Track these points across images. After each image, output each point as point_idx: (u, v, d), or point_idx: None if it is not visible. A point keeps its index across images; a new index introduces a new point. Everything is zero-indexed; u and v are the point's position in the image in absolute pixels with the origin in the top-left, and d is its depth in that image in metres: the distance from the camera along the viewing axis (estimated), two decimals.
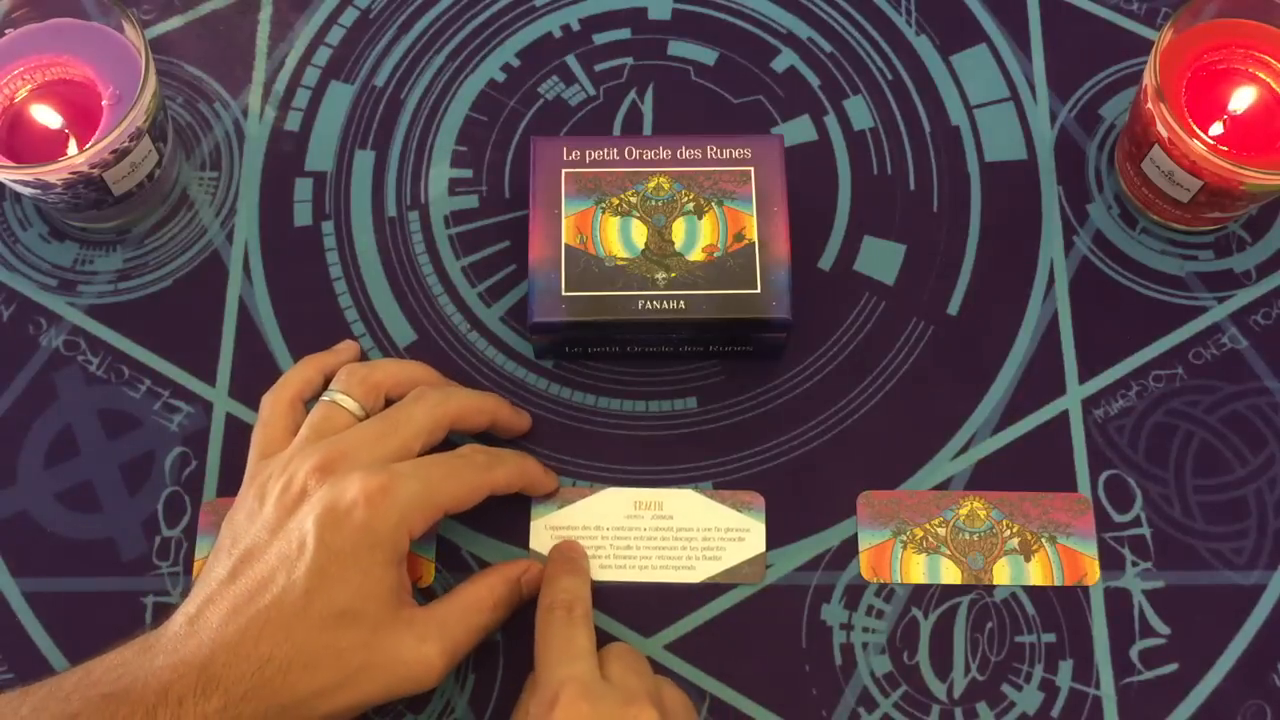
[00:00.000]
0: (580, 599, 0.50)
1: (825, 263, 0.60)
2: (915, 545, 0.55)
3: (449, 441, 0.53)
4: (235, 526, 0.49)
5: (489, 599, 0.51)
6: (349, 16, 0.64)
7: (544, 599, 0.51)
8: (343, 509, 0.47)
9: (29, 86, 0.56)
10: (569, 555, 0.54)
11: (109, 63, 0.56)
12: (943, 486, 0.56)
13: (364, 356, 0.58)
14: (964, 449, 0.56)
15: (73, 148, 0.55)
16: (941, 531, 0.55)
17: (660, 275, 0.54)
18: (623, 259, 0.54)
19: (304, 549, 0.46)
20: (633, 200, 0.55)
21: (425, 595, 0.54)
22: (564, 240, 0.54)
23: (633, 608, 0.54)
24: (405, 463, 0.49)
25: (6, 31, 0.56)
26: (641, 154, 0.56)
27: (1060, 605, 0.54)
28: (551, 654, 0.48)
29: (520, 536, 0.55)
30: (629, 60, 0.63)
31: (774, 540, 0.55)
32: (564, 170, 0.56)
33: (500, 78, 0.63)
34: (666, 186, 0.55)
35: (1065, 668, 0.53)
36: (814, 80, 0.63)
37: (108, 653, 0.46)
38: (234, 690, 0.44)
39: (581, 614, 0.50)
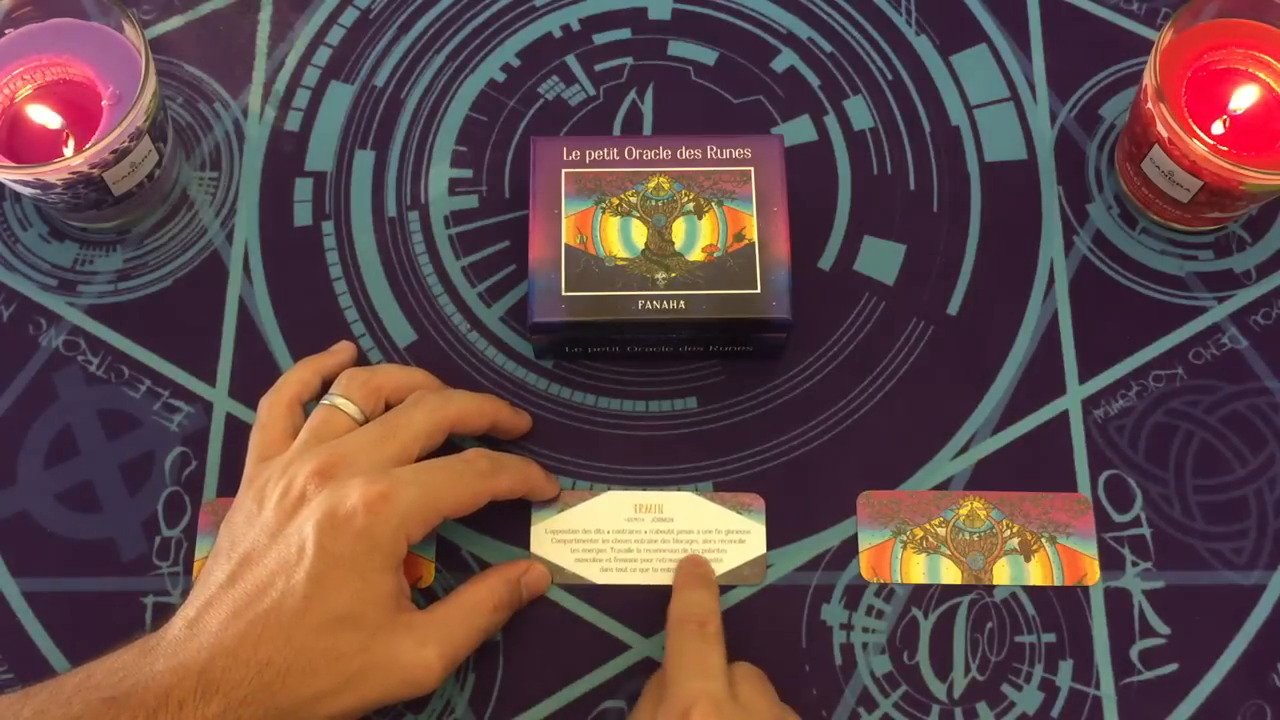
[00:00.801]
0: (713, 615, 0.50)
1: (825, 263, 0.60)
2: (915, 545, 0.55)
3: (451, 443, 0.53)
4: (234, 530, 0.49)
5: (489, 601, 0.51)
6: (349, 16, 0.64)
7: (675, 611, 0.51)
8: (343, 515, 0.47)
9: (29, 86, 0.56)
10: (699, 570, 0.54)
11: (109, 63, 0.56)
12: (943, 486, 0.56)
13: (361, 357, 0.58)
14: (964, 449, 0.56)
15: (72, 148, 0.55)
16: (941, 531, 0.55)
17: (660, 275, 0.54)
18: (623, 259, 0.54)
19: (303, 554, 0.46)
20: (633, 200, 0.55)
21: (425, 595, 0.54)
22: (564, 240, 0.54)
23: (634, 609, 0.54)
24: (406, 468, 0.49)
25: (7, 31, 0.56)
26: (641, 154, 0.56)
27: (1060, 605, 0.54)
28: (685, 668, 0.47)
29: (521, 538, 0.55)
30: (629, 60, 0.63)
31: (774, 540, 0.55)
32: (564, 170, 0.56)
33: (500, 78, 0.63)
34: (666, 186, 0.55)
35: (1065, 668, 0.53)
36: (814, 80, 0.63)
37: (108, 655, 0.46)
38: (233, 695, 0.44)
39: (714, 631, 0.49)
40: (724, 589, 0.54)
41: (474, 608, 0.50)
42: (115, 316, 0.58)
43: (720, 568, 0.54)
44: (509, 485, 0.52)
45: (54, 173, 0.53)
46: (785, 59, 0.63)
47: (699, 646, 0.49)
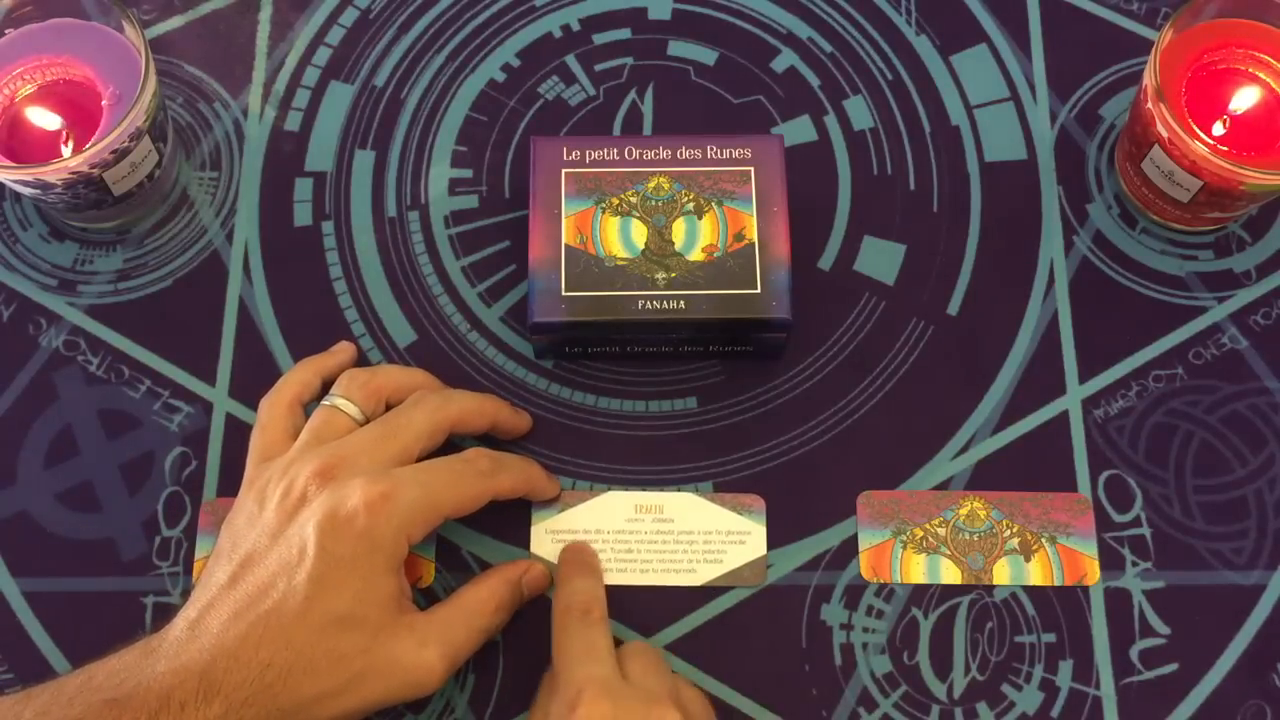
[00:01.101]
0: (596, 600, 0.51)
1: (825, 263, 0.60)
2: (915, 545, 0.55)
3: (451, 443, 0.53)
4: (235, 530, 0.49)
5: (490, 602, 0.51)
6: (349, 16, 0.64)
7: (559, 601, 0.51)
8: (343, 516, 0.47)
9: (29, 86, 0.56)
10: (581, 557, 0.54)
11: (109, 63, 0.56)
12: (943, 486, 0.56)
13: (361, 357, 0.58)
14: (964, 449, 0.56)
15: (72, 148, 0.55)
16: (941, 531, 0.55)
17: (660, 275, 0.54)
18: (623, 259, 0.54)
19: (304, 555, 0.46)
20: (633, 200, 0.55)
21: (425, 595, 0.54)
22: (564, 240, 0.54)
23: (634, 609, 0.54)
24: (407, 468, 0.49)
25: (7, 31, 0.56)
26: (641, 154, 0.56)
27: (1060, 605, 0.54)
28: (571, 656, 0.48)
29: (521, 538, 0.55)
30: (629, 60, 0.63)
31: (774, 540, 0.55)
32: (564, 170, 0.56)
33: (500, 78, 0.63)
34: (666, 186, 0.55)
35: (1065, 668, 0.53)
36: (814, 80, 0.63)
37: (109, 656, 0.46)
38: (235, 696, 0.44)
39: (599, 616, 0.50)
40: (723, 589, 0.54)
41: (475, 608, 0.50)
42: (115, 316, 0.58)
43: (720, 568, 0.54)
44: (510, 485, 0.52)
45: (54, 173, 0.53)
46: (785, 59, 0.63)
47: (584, 633, 0.49)
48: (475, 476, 0.51)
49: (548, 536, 0.55)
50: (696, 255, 0.54)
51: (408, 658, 0.47)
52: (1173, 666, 0.53)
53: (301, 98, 0.62)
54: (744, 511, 0.55)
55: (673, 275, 0.54)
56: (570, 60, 0.63)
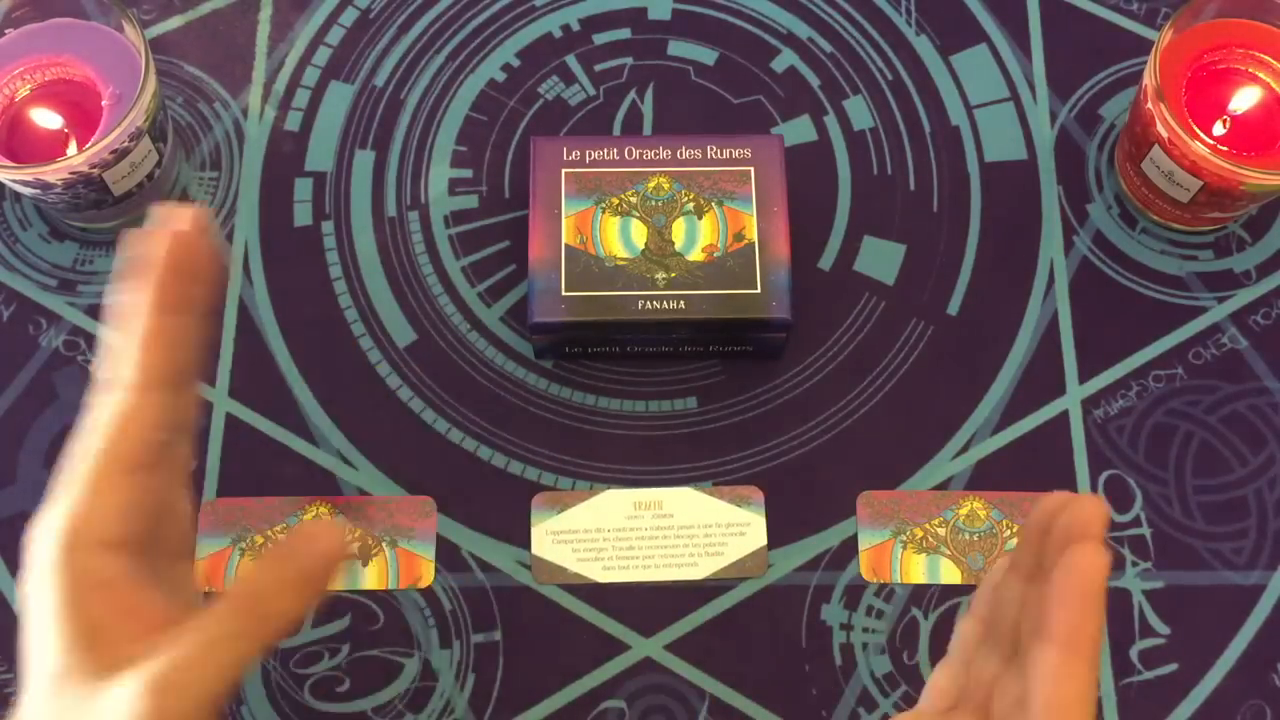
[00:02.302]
0: None
1: (825, 263, 0.60)
2: (915, 545, 0.55)
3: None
4: None
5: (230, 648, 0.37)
6: (349, 16, 0.64)
7: None
8: None
9: (29, 86, 0.56)
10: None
11: (109, 63, 0.56)
12: (943, 486, 0.56)
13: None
14: (964, 449, 0.56)
15: (72, 148, 0.55)
16: (941, 531, 0.55)
17: (660, 275, 0.54)
18: (623, 259, 0.54)
19: None
20: (633, 200, 0.55)
21: (425, 595, 0.54)
22: (564, 240, 0.54)
23: (634, 608, 0.54)
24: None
25: (6, 31, 0.56)
26: (641, 154, 0.56)
27: None
28: None
29: (521, 538, 0.55)
30: (629, 60, 0.63)
31: (774, 540, 0.55)
32: (564, 170, 0.56)
33: (500, 78, 0.63)
34: (666, 186, 0.55)
35: None
36: (814, 80, 0.63)
37: None
38: None
39: None
40: (724, 586, 0.54)
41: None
42: None
43: (722, 560, 0.54)
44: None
45: (54, 173, 0.53)
46: (785, 59, 0.63)
47: None
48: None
49: (548, 537, 0.55)
50: (696, 255, 0.54)
51: None
52: (1173, 666, 0.53)
53: (301, 98, 0.62)
54: (743, 503, 0.55)
55: (673, 275, 0.54)
56: (570, 60, 0.63)
